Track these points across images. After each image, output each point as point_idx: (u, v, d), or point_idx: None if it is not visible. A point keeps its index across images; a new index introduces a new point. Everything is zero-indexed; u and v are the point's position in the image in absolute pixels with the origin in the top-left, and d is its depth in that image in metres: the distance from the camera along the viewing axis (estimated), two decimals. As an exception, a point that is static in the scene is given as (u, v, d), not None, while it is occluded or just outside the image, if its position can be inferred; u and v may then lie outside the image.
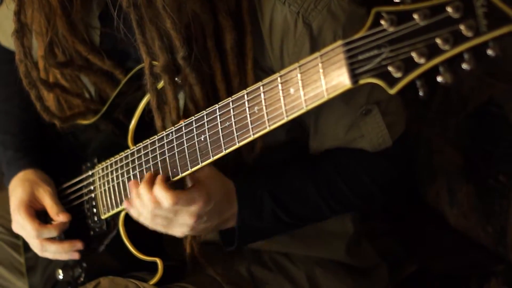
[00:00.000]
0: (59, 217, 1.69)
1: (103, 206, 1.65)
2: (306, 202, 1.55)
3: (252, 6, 1.44)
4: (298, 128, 1.59)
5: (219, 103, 1.37)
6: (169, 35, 1.39)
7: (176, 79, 1.46)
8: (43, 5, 1.49)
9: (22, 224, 1.70)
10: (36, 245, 1.71)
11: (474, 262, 1.97)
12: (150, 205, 1.43)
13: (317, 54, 1.19)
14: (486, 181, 1.94)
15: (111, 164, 1.62)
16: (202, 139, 1.40)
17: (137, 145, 1.54)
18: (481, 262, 1.95)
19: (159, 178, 1.44)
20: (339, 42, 1.15)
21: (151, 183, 1.44)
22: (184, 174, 1.45)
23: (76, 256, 1.70)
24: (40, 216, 1.72)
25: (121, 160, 1.58)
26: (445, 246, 2.06)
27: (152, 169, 1.49)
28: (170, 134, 1.46)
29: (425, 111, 2.13)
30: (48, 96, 1.71)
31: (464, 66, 1.03)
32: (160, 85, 1.47)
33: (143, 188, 1.44)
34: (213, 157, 1.38)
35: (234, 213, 1.52)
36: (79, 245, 1.69)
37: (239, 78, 1.47)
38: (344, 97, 1.42)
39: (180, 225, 1.47)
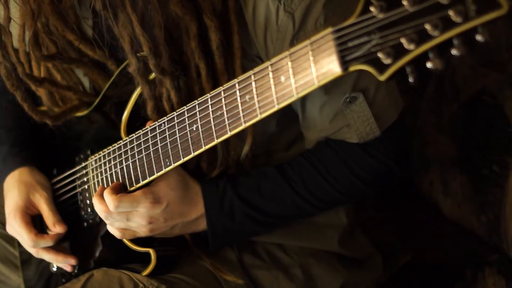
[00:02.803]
0: (56, 228, 1.70)
1: (96, 198, 1.65)
2: (281, 200, 1.55)
3: (238, 3, 1.43)
4: (289, 115, 1.58)
5: (211, 92, 1.37)
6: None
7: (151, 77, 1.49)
8: None
9: (18, 231, 1.70)
10: (31, 251, 1.73)
11: (468, 251, 1.97)
12: (103, 214, 1.51)
13: (307, 42, 1.18)
14: (480, 170, 1.94)
15: (104, 156, 1.62)
16: (194, 129, 1.40)
17: (129, 136, 1.54)
18: (475, 252, 1.96)
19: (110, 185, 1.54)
20: (329, 30, 1.14)
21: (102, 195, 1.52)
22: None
23: (68, 268, 1.72)
24: (36, 219, 1.73)
25: (114, 151, 1.58)
26: (439, 236, 2.06)
27: (144, 159, 1.50)
28: (162, 125, 1.46)
29: (419, 101, 2.13)
30: (39, 89, 1.70)
31: (454, 51, 1.03)
32: (152, 76, 1.48)
33: (94, 199, 1.53)
34: (205, 146, 1.39)
35: (202, 214, 1.55)
36: (72, 261, 1.71)
37: (227, 76, 1.46)
38: (328, 84, 1.42)
39: (138, 228, 1.53)
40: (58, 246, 1.72)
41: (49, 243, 1.69)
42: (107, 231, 1.64)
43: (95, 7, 1.40)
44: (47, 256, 1.71)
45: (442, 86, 2.05)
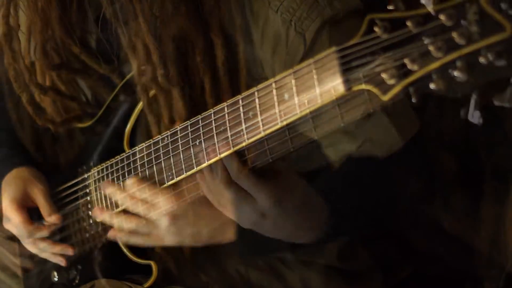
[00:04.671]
0: (51, 219, 1.70)
1: (99, 209, 1.66)
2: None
3: (245, 20, 1.44)
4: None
5: (214, 108, 1.38)
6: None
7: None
8: (37, 8, 1.49)
9: (14, 223, 1.71)
10: (27, 242, 1.73)
11: (468, 266, 1.97)
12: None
13: (311, 61, 1.18)
14: (481, 185, 1.94)
15: (106, 167, 1.62)
16: (197, 143, 1.40)
17: (132, 149, 1.55)
18: (475, 267, 1.96)
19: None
20: (333, 49, 1.15)
21: None
22: (177, 178, 1.47)
23: (63, 263, 1.71)
24: (33, 212, 1.73)
25: (116, 163, 1.59)
26: (439, 250, 2.06)
27: (147, 172, 1.50)
28: (166, 138, 1.46)
29: (420, 115, 2.12)
30: (43, 98, 1.71)
31: (456, 73, 1.04)
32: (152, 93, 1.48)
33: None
34: (207, 161, 1.39)
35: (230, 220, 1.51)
36: (69, 251, 1.70)
37: (231, 93, 1.46)
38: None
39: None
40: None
41: (44, 233, 1.70)
42: (108, 242, 1.65)
43: (105, 14, 1.41)
44: (44, 245, 1.71)
45: (444, 101, 2.05)
